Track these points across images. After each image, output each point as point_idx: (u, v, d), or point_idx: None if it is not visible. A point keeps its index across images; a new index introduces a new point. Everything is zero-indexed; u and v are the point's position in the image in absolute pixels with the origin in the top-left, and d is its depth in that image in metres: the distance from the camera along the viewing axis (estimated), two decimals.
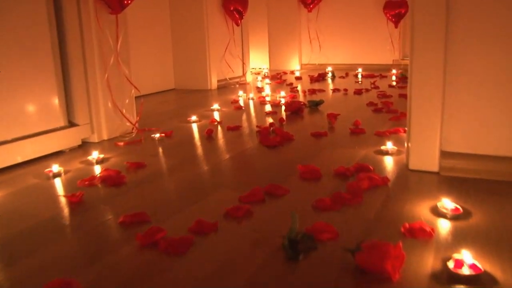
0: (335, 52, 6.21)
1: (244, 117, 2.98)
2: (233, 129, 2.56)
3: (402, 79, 4.71)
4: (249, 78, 5.03)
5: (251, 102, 3.54)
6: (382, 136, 2.28)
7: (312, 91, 3.95)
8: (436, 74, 1.63)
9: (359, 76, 5.22)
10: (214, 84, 4.41)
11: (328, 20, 6.18)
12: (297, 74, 5.72)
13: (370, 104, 3.24)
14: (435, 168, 1.69)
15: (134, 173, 1.85)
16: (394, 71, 5.39)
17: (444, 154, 1.68)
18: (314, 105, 3.19)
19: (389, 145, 2.00)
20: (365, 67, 5.85)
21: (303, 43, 6.33)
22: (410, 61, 1.69)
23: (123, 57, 2.52)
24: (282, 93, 3.71)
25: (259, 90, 4.19)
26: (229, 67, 4.64)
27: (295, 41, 6.23)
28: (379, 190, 1.54)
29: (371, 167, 1.75)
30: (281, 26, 6.25)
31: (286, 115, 2.97)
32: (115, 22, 2.45)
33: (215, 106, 3.21)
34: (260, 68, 6.40)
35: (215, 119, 2.81)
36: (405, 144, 1.84)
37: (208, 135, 2.43)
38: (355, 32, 6.09)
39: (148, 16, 4.09)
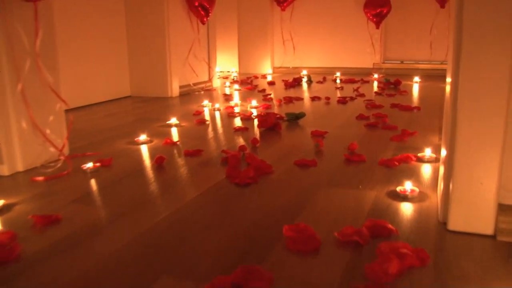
0: (310, 54, 5.65)
1: (208, 134, 2.37)
2: (192, 155, 1.95)
3: (387, 84, 4.17)
4: (216, 83, 4.41)
5: (217, 114, 2.93)
6: (390, 167, 1.70)
7: (288, 100, 3.36)
8: (499, 92, 1.05)
9: (338, 81, 4.66)
10: (175, 90, 3.78)
11: (303, 19, 5.61)
12: (270, 78, 5.13)
13: (361, 117, 2.68)
14: (488, 229, 1.12)
15: (40, 236, 1.22)
16: (375, 75, 4.86)
17: (503, 209, 1.11)
18: (294, 119, 2.60)
19: (407, 186, 1.42)
20: (344, 70, 5.31)
21: (275, 45, 5.75)
22: (453, 71, 1.11)
23: (46, 60, 1.87)
24: (254, 103, 3.11)
25: (227, 98, 3.58)
26: (193, 71, 4.02)
27: (267, 42, 5.63)
28: (416, 276, 0.95)
29: (391, 226, 1.17)
30: (252, 26, 5.65)
31: (260, 132, 2.37)
32: (34, 12, 1.80)
33: (173, 120, 2.58)
34: (228, 72, 5.80)
35: (170, 139, 2.18)
36: (438, 190, 1.26)
37: (158, 165, 1.81)
38: (332, 33, 5.54)
39: (96, 10, 3.43)
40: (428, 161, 1.79)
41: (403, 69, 5.32)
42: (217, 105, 3.10)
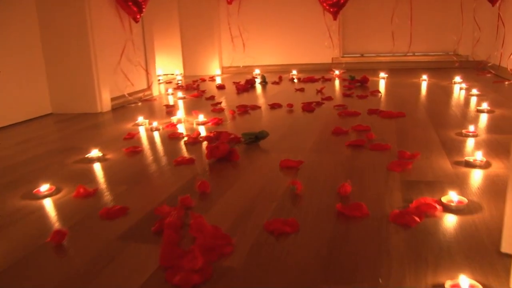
0: (262, 51, 5.03)
1: (139, 174, 1.72)
2: (112, 218, 1.30)
3: (353, 82, 3.62)
4: (156, 91, 3.73)
5: (156, 136, 2.28)
6: (409, 227, 1.12)
7: (243, 109, 2.75)
8: None
9: (296, 80, 4.08)
10: (106, 104, 3.08)
11: (253, 13, 4.99)
12: (219, 80, 4.49)
13: (337, 131, 2.09)
14: None
15: None
16: (337, 72, 4.31)
17: None
18: (253, 141, 1.99)
19: (463, 282, 0.83)
20: (300, 68, 4.73)
21: (223, 42, 5.11)
22: None
23: None
24: (201, 117, 2.48)
25: (170, 110, 2.92)
26: (127, 79, 3.33)
27: (214, 40, 4.98)
28: None
29: None
30: (196, 22, 4.98)
31: (210, 165, 1.74)
32: None
33: (94, 152, 1.91)
34: (172, 75, 5.11)
35: (84, 187, 1.52)
36: None
37: (57, 244, 1.15)
38: (286, 26, 4.94)
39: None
40: (458, 209, 1.21)
41: (364, 63, 4.80)
42: (155, 124, 2.44)
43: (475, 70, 4.29)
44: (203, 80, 4.51)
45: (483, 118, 2.32)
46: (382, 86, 3.59)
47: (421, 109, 2.58)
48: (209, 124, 2.43)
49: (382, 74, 4.01)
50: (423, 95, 3.09)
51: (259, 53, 5.01)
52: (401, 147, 1.81)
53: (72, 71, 2.98)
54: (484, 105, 2.51)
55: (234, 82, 4.13)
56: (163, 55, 5.15)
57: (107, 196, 1.46)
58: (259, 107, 2.85)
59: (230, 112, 2.68)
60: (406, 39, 4.72)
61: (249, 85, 3.88)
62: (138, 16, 3.33)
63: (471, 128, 2.00)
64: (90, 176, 1.70)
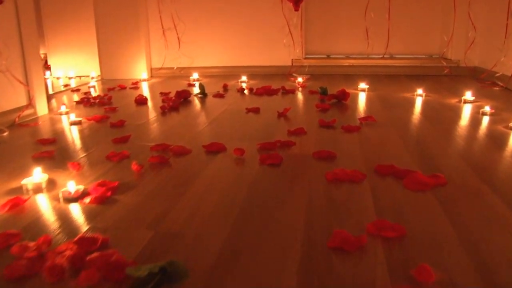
0: (203, 49, 3.83)
1: None
2: None
3: (326, 99, 2.52)
4: (43, 109, 2.48)
5: (42, 202, 1.06)
6: None
7: (159, 160, 1.58)
8: None
9: (246, 91, 2.93)
10: None
11: (190, 0, 3.78)
12: (145, 88, 3.27)
13: (339, 240, 0.96)
14: None
15: None
16: (299, 79, 3.18)
17: None
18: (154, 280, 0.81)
19: None
20: (252, 71, 3.59)
21: (152, 36, 3.86)
22: None
23: None
24: (71, 186, 1.29)
25: (39, 155, 1.70)
26: None
27: (140, 34, 3.73)
28: None
29: None
30: (116, 9, 3.72)
31: None
32: None
33: None
34: (90, 77, 3.85)
35: None
36: None
37: None
38: (233, 18, 3.76)
39: None
40: None
41: (331, 66, 3.70)
42: (32, 180, 1.23)
43: (477, 81, 3.27)
44: (122, 88, 3.27)
45: None
46: (364, 103, 2.50)
47: (457, 161, 1.49)
48: (89, 197, 1.24)
49: (362, 85, 2.91)
50: (437, 125, 2.01)
51: (199, 52, 3.81)
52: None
53: None
54: None
55: (161, 94, 2.93)
56: (78, 51, 3.88)
57: None
58: (189, 151, 1.67)
59: (134, 167, 1.48)
60: (383, 38, 3.66)
61: (182, 98, 2.69)
62: None
63: None
64: None
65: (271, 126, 2.00)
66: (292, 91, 2.88)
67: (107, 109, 2.49)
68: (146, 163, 1.53)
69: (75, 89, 3.31)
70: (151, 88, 3.32)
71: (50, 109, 2.54)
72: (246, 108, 2.36)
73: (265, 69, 3.71)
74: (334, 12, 3.77)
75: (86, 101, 2.76)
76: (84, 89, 3.29)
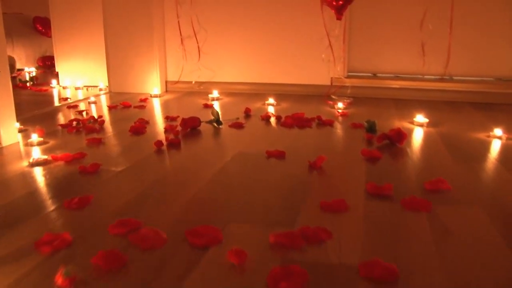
0: (226, 62, 3.22)
1: None
2: None
3: (378, 139, 1.85)
4: (12, 137, 1.94)
5: None
6: None
7: (147, 243, 0.99)
8: None
9: (272, 119, 2.30)
10: None
11: (214, 3, 3.17)
12: (154, 107, 2.70)
13: None
14: None
15: None
16: (340, 104, 2.54)
17: None
18: None
19: None
20: (283, 90, 2.97)
21: (169, 45, 3.28)
22: None
23: None
24: None
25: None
26: None
27: (154, 42, 3.15)
28: None
29: None
30: (127, 11, 3.15)
31: None
32: None
33: None
34: (99, 89, 3.33)
35: None
36: None
37: None
38: (263, 27, 3.13)
39: None
40: None
41: (379, 88, 3.02)
42: None
43: None
44: (126, 106, 2.70)
45: None
46: (425, 148, 1.83)
47: None
48: None
49: (419, 118, 2.24)
50: None
51: (221, 64, 3.20)
52: None
53: None
54: None
55: (167, 118, 2.33)
56: (87, 58, 3.36)
57: None
58: (162, 242, 1.07)
59: (60, 282, 0.88)
60: (442, 55, 2.96)
61: (188, 128, 2.09)
62: None
63: None
64: None
65: (297, 190, 1.37)
66: (330, 123, 2.23)
67: (90, 141, 1.91)
68: (89, 267, 0.92)
69: (72, 104, 2.76)
70: (162, 106, 2.75)
71: (28, 135, 1.98)
72: (267, 152, 1.72)
73: (298, 89, 3.08)
74: (384, 21, 3.10)
75: (71, 126, 2.19)
76: (84, 105, 2.74)
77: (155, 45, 3.13)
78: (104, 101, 2.94)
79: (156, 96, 3.04)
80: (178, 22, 3.16)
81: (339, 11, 2.79)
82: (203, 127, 2.16)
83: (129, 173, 1.54)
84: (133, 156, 1.72)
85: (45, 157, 1.68)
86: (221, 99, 2.91)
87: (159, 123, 2.28)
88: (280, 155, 1.70)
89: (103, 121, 2.25)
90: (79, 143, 1.91)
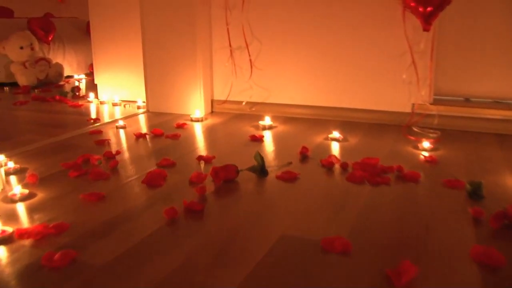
0: (283, 79, 2.63)
1: None
2: None
3: (493, 222, 1.18)
4: None
5: None
6: None
7: None
8: None
9: (335, 165, 1.69)
10: None
11: (270, 7, 2.58)
12: (193, 135, 2.18)
13: None
14: None
15: None
16: (425, 143, 1.87)
17: None
18: None
19: None
20: (352, 117, 2.37)
21: (216, 58, 2.74)
22: None
23: None
24: None
25: None
26: None
27: (197, 55, 2.62)
28: None
29: None
30: (167, 17, 2.66)
31: None
32: None
33: None
34: (137, 104, 2.88)
35: None
36: None
37: None
38: (329, 38, 2.51)
39: None
40: None
41: (474, 118, 2.32)
42: None
43: None
44: (157, 135, 2.19)
45: None
46: None
47: None
48: None
49: None
50: None
51: (277, 82, 2.62)
52: None
53: None
54: None
55: (199, 160, 1.79)
56: (125, 70, 2.92)
57: None
58: None
59: None
60: None
61: (220, 181, 1.53)
62: None
63: None
64: None
65: None
66: (414, 177, 1.59)
67: (87, 198, 1.39)
68: None
69: (95, 129, 2.29)
70: (205, 133, 2.24)
71: (23, 177, 1.51)
72: (323, 243, 1.12)
73: (370, 116, 2.44)
74: (482, 33, 2.39)
75: (77, 166, 1.70)
76: (109, 129, 2.28)
77: (199, 57, 2.60)
78: (135, 124, 2.46)
79: (197, 120, 2.52)
80: (228, 30, 2.61)
81: (427, 20, 2.13)
82: (243, 176, 1.59)
83: (116, 269, 1.00)
84: (130, 236, 1.18)
85: (10, 230, 1.18)
86: (274, 127, 2.34)
87: (188, 166, 1.74)
88: (342, 249, 1.10)
89: (115, 163, 1.73)
90: (72, 200, 1.41)
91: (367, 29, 2.38)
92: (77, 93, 3.48)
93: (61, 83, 4.23)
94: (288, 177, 1.60)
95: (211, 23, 2.67)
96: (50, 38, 4.43)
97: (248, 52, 2.60)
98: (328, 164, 1.72)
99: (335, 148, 1.96)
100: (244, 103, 2.67)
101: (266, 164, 1.65)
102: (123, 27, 2.97)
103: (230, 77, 2.69)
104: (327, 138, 2.10)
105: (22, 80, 3.93)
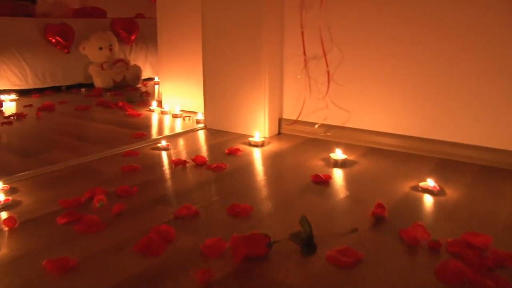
0: (368, 98, 2.02)
1: None
2: None
3: None
4: None
5: None
6: None
7: None
8: None
9: (424, 245, 1.09)
10: None
11: (357, 9, 1.99)
12: (243, 170, 1.71)
13: None
14: None
15: None
16: None
17: None
18: None
19: None
20: (450, 155, 1.70)
21: (287, 70, 2.22)
22: None
23: None
24: None
25: None
26: None
27: (261, 66, 2.11)
28: None
29: None
30: (231, 21, 2.20)
31: None
32: None
33: None
34: (197, 116, 2.47)
35: None
36: None
37: None
38: (429, 51, 1.86)
39: None
40: None
41: None
42: None
43: None
44: (200, 164, 1.74)
45: None
46: None
47: None
48: None
49: None
50: None
51: (360, 102, 2.03)
52: None
53: None
54: None
55: (230, 213, 1.29)
56: (187, 81, 2.52)
57: None
58: None
59: None
60: None
61: (243, 257, 1.01)
62: None
63: None
64: None
65: None
66: None
67: (51, 267, 0.97)
68: None
69: (130, 150, 1.89)
70: (258, 166, 1.74)
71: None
72: None
73: (479, 155, 1.76)
74: None
75: (74, 206, 1.29)
76: (148, 150, 1.87)
77: (264, 66, 2.10)
78: (184, 143, 2.03)
79: (256, 145, 2.02)
80: (302, 34, 2.08)
81: None
82: (277, 250, 1.07)
83: None
84: None
85: None
86: (350, 163, 1.76)
87: (212, 221, 1.25)
88: None
89: (120, 208, 1.29)
90: (33, 267, 0.98)
91: (479, 44, 1.71)
92: (144, 99, 3.16)
93: (138, 85, 3.97)
94: (347, 260, 1.04)
95: (284, 25, 2.15)
96: (132, 39, 4.19)
97: (326, 62, 2.05)
98: (409, 240, 1.13)
99: (425, 208, 1.36)
100: (317, 126, 2.12)
101: (319, 230, 1.11)
102: (190, 30, 2.58)
103: (303, 92, 2.16)
104: (416, 187, 1.49)
105: (97, 82, 3.73)
